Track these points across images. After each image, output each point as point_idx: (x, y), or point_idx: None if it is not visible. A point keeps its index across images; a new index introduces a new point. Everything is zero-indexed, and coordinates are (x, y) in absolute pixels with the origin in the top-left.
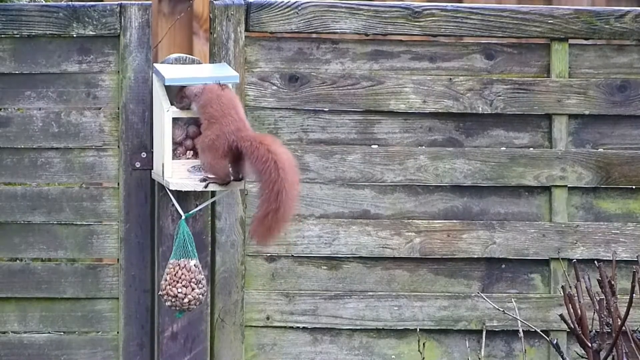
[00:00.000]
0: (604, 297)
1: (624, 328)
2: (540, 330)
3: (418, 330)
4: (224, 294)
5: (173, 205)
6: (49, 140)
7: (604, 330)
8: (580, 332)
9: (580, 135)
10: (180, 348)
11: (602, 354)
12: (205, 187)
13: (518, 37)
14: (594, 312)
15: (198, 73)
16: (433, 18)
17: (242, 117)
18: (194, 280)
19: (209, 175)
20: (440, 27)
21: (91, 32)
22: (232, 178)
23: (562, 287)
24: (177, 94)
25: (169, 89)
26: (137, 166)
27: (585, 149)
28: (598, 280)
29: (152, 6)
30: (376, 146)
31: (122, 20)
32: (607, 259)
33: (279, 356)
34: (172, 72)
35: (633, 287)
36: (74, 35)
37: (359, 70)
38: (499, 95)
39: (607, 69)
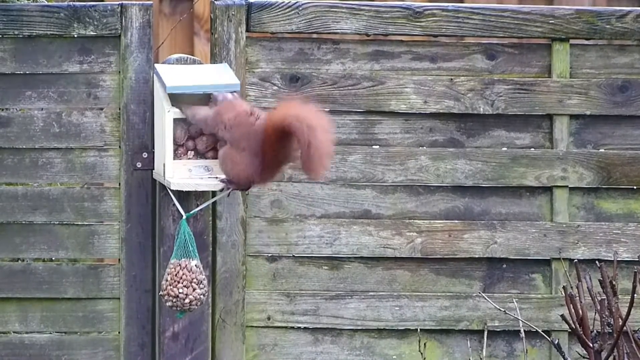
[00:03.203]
0: (605, 297)
1: (625, 328)
2: (542, 331)
3: (419, 330)
4: (225, 294)
5: (174, 205)
6: (50, 140)
7: (605, 331)
8: (581, 332)
9: (582, 136)
10: (182, 348)
11: (604, 355)
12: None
13: (519, 38)
14: (595, 313)
15: (200, 79)
16: (434, 18)
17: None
18: (195, 280)
19: (229, 181)
20: (441, 28)
21: (92, 33)
22: (254, 183)
23: (564, 287)
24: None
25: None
26: (138, 166)
27: (587, 149)
28: (599, 280)
29: (152, 6)
30: (377, 146)
31: (123, 20)
32: (609, 259)
33: (280, 356)
34: (174, 77)
35: (634, 287)
36: (75, 36)
37: (359, 71)
38: (500, 96)
39: (608, 69)
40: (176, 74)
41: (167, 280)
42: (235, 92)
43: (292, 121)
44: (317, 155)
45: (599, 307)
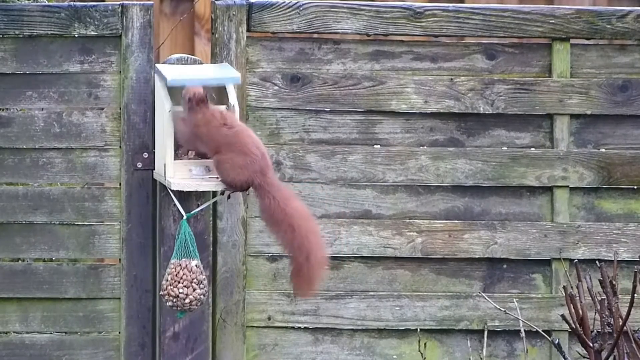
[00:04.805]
0: (605, 297)
1: (625, 328)
2: (542, 330)
3: (419, 330)
4: (226, 294)
5: (174, 205)
6: (51, 140)
7: (606, 331)
8: (581, 332)
9: (582, 135)
10: (182, 348)
11: (604, 354)
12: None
13: (519, 37)
14: (596, 312)
15: (200, 74)
16: (434, 18)
17: (264, 151)
18: (195, 280)
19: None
20: (442, 28)
21: (93, 32)
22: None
23: (564, 287)
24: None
25: (171, 91)
26: (139, 166)
27: (587, 149)
28: (599, 280)
29: (153, 6)
30: (378, 146)
31: (124, 20)
32: (609, 259)
33: (280, 356)
34: (175, 73)
35: (634, 287)
36: (76, 36)
37: (360, 71)
38: (500, 95)
39: (609, 68)
40: (177, 71)
41: (167, 280)
42: (235, 84)
43: (297, 235)
44: (310, 277)
45: (599, 307)
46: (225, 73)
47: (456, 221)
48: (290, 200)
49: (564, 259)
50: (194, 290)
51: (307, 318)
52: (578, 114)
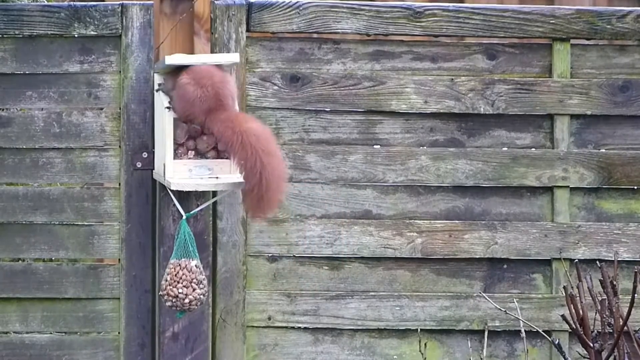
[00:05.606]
0: (605, 297)
1: (625, 328)
2: (542, 331)
3: (420, 330)
4: (226, 294)
5: (174, 205)
6: (50, 140)
7: (606, 331)
8: (582, 332)
9: (582, 136)
10: (182, 348)
11: (604, 354)
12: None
13: (520, 37)
14: (596, 313)
15: (197, 57)
16: (435, 18)
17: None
18: (195, 280)
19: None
20: (442, 28)
21: (92, 32)
22: None
23: (564, 287)
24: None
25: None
26: (139, 166)
27: (587, 149)
28: (600, 280)
29: (153, 6)
30: (378, 146)
31: (124, 20)
32: (609, 259)
33: (280, 356)
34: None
35: (635, 287)
36: (76, 35)
37: (360, 71)
38: (501, 96)
39: (609, 69)
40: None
41: (166, 280)
42: (233, 63)
43: (244, 141)
44: (269, 193)
45: (599, 307)
46: (223, 55)
47: (456, 221)
48: (242, 122)
49: (564, 259)
50: (194, 290)
51: (308, 318)
52: (578, 114)
